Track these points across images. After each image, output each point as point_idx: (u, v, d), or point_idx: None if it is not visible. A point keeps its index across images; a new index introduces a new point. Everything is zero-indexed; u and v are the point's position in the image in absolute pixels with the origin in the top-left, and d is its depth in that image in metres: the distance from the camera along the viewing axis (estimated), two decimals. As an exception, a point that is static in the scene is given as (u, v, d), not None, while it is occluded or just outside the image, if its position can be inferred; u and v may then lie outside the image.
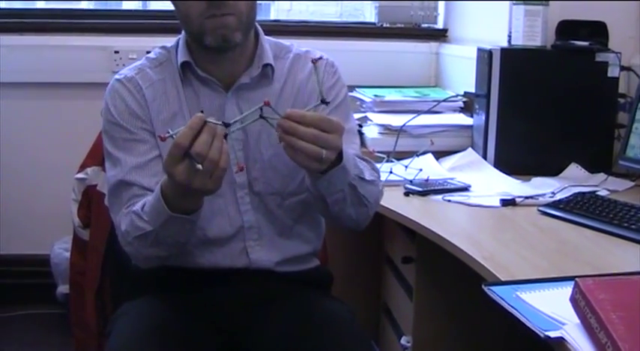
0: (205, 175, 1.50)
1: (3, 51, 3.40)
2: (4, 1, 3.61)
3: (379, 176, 1.88)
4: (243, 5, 1.73)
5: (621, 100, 2.63)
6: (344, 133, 1.77)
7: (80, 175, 2.29)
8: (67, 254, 2.72)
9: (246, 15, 1.74)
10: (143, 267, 1.81)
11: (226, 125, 1.53)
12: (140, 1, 3.93)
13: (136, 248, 1.73)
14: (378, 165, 2.39)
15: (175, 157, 1.49)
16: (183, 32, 1.85)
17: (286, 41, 1.95)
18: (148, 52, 1.92)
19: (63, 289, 3.17)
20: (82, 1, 4.03)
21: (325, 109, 1.80)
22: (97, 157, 2.20)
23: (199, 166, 1.48)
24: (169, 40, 1.90)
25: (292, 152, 1.55)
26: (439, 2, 3.66)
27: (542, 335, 1.28)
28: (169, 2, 1.81)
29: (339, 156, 1.63)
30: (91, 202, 2.25)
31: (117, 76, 1.86)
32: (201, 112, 1.53)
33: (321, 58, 1.83)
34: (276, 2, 3.79)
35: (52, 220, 3.38)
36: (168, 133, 1.51)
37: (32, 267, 3.50)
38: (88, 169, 2.26)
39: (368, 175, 1.76)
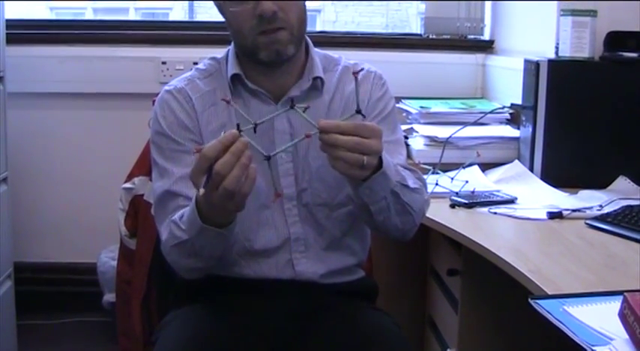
0: (224, 196, 1.50)
1: (52, 62, 3.45)
2: (53, 13, 3.66)
3: (425, 185, 1.88)
4: (294, 18, 1.75)
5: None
6: (391, 144, 1.77)
7: (127, 185, 2.31)
8: (114, 263, 2.74)
9: (297, 28, 1.76)
10: (185, 277, 1.83)
11: (267, 158, 1.55)
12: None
13: (175, 258, 1.75)
14: (423, 176, 2.40)
15: (201, 168, 1.50)
16: (232, 43, 1.86)
17: (335, 53, 1.96)
18: (195, 63, 1.95)
19: (109, 297, 3.19)
20: (132, 1, 4.08)
21: (373, 121, 1.81)
22: (144, 167, 2.22)
23: (202, 190, 1.48)
24: (216, 51, 1.92)
25: (334, 162, 1.56)
26: (485, 14, 3.65)
27: (589, 350, 1.27)
28: (216, 13, 1.83)
29: (379, 163, 1.63)
30: (137, 211, 2.26)
31: (167, 87, 1.88)
32: (238, 127, 1.53)
33: (362, 69, 1.84)
34: (322, 13, 3.81)
35: (99, 229, 3.42)
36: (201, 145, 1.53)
37: (79, 275, 3.54)
38: (136, 179, 2.28)
39: (411, 183, 1.76)
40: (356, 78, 1.63)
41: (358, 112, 1.62)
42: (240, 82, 1.85)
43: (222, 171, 1.47)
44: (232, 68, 1.84)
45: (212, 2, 1.84)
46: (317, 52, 1.91)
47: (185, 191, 1.76)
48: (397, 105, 3.11)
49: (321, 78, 1.86)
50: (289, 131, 1.82)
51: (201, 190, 1.49)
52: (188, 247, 1.69)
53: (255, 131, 1.55)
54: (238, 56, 1.85)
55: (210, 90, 1.86)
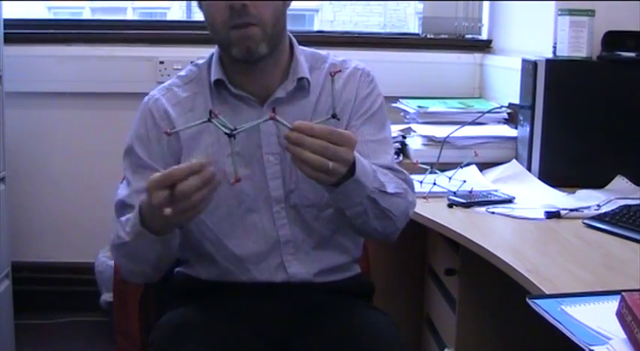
0: (177, 209, 1.51)
1: (50, 61, 3.45)
2: (51, 13, 3.66)
3: (411, 187, 1.86)
4: (268, 16, 1.73)
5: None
6: (377, 143, 1.77)
7: (125, 185, 2.30)
8: (111, 263, 2.73)
9: (271, 26, 1.74)
10: (126, 279, 1.86)
11: (230, 135, 1.56)
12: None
13: (115, 258, 1.80)
14: (421, 176, 2.40)
15: (163, 183, 1.51)
16: (216, 48, 1.86)
17: (323, 51, 1.95)
18: (191, 63, 1.94)
19: (107, 297, 3.19)
20: (130, 1, 4.08)
21: (359, 119, 1.79)
22: (141, 166, 2.22)
23: (168, 211, 1.50)
24: (214, 51, 1.91)
25: (299, 164, 1.56)
26: (483, 13, 3.65)
27: (587, 350, 1.27)
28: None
29: (353, 169, 1.62)
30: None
31: (147, 97, 1.89)
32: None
33: (340, 71, 1.82)
34: (319, 13, 3.81)
35: (97, 228, 3.41)
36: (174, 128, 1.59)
37: (77, 275, 3.53)
38: (133, 179, 2.28)
39: (391, 188, 1.74)
40: (332, 80, 1.63)
41: (333, 116, 1.62)
42: (224, 87, 1.83)
43: (186, 192, 1.49)
44: (215, 73, 1.83)
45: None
46: (303, 51, 1.90)
47: (136, 204, 1.77)
48: (395, 105, 3.13)
49: (307, 78, 1.85)
50: (276, 133, 1.81)
51: (167, 210, 1.50)
52: (126, 248, 1.71)
53: (234, 138, 1.56)
54: (222, 59, 1.85)
55: (189, 95, 1.86)
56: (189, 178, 1.49)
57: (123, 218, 1.74)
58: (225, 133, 1.56)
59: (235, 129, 1.56)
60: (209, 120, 1.56)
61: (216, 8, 1.73)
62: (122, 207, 1.81)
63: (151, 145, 1.83)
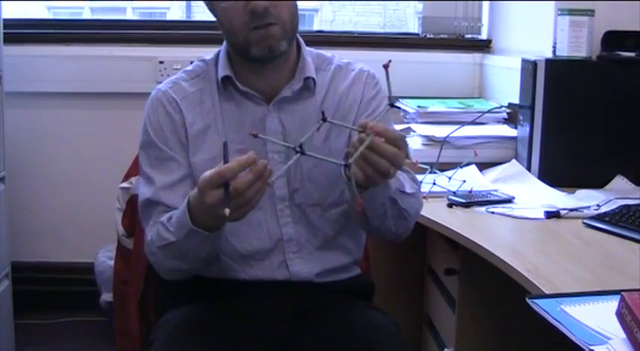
0: (233, 207, 1.52)
1: (50, 61, 3.45)
2: (50, 13, 3.66)
3: (419, 188, 1.89)
4: (286, 14, 1.75)
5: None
6: None
7: (124, 185, 2.30)
8: (111, 263, 2.74)
9: (289, 23, 1.76)
10: (166, 278, 1.84)
11: (301, 151, 1.56)
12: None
13: (159, 259, 1.77)
14: (421, 176, 2.40)
15: (214, 183, 1.52)
16: (223, 44, 1.86)
17: (328, 52, 1.96)
18: (192, 63, 1.95)
19: (106, 297, 3.19)
20: (129, 0, 4.09)
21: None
22: (141, 166, 2.21)
23: (227, 211, 1.50)
24: (213, 51, 1.92)
25: (363, 164, 1.55)
26: (483, 13, 3.65)
27: (587, 350, 1.27)
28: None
29: None
30: (134, 211, 2.26)
31: (154, 90, 1.89)
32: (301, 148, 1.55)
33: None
34: (319, 13, 3.81)
35: (97, 228, 3.42)
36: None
37: (76, 275, 3.54)
38: (133, 179, 2.28)
39: (409, 188, 1.77)
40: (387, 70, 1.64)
41: (392, 104, 1.64)
42: (231, 84, 1.84)
43: (241, 188, 1.50)
44: (223, 70, 1.84)
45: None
46: (310, 51, 1.91)
47: (166, 201, 1.78)
48: (395, 104, 3.13)
49: (313, 78, 1.86)
50: (281, 131, 1.82)
51: (227, 211, 1.50)
52: (174, 248, 1.70)
53: (302, 153, 1.56)
54: (230, 57, 1.85)
55: (195, 90, 1.87)
56: (240, 174, 1.51)
57: (163, 218, 1.74)
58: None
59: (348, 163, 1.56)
60: (300, 153, 1.56)
61: (235, 12, 1.73)
62: (150, 206, 1.80)
63: (166, 136, 1.83)
